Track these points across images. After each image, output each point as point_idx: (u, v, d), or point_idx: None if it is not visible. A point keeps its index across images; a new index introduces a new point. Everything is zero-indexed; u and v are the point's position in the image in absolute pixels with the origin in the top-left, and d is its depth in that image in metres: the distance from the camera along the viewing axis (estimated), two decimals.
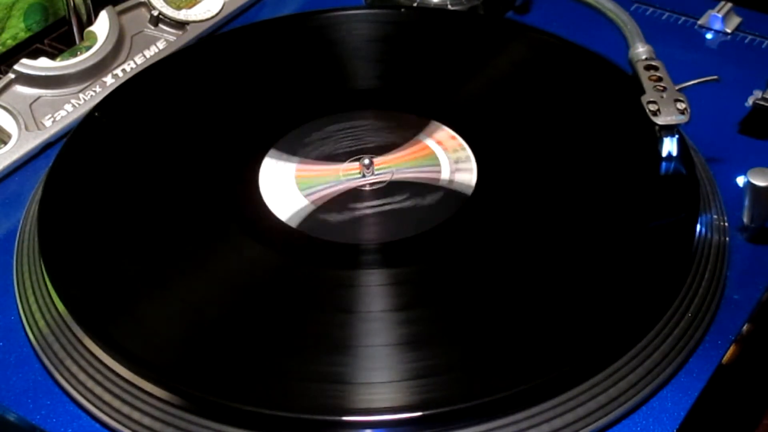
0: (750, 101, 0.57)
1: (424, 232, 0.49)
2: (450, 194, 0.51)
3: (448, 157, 0.53)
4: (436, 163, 0.53)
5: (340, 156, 0.54)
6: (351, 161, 0.53)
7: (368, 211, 0.50)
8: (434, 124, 0.55)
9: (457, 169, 0.52)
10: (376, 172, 0.53)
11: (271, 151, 0.54)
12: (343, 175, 0.53)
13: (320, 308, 0.45)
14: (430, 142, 0.54)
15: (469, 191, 0.51)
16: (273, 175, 0.53)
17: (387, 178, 0.52)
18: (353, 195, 0.52)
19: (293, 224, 0.50)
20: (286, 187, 0.52)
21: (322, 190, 0.52)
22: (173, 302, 0.46)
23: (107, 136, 0.56)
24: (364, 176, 0.52)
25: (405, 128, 0.55)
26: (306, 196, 0.51)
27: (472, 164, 0.52)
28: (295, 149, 0.54)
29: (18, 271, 0.49)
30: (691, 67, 0.60)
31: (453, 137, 0.54)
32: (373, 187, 0.52)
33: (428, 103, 0.57)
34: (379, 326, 0.44)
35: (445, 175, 0.52)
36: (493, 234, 0.48)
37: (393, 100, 0.57)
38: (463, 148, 0.53)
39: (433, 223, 0.49)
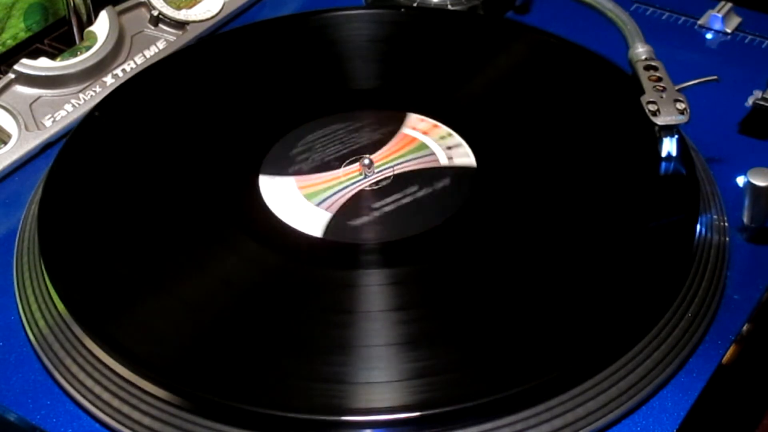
0: (750, 101, 0.57)
1: (425, 232, 0.49)
2: (457, 174, 0.51)
3: (437, 143, 0.53)
4: (429, 151, 0.53)
5: (332, 162, 0.53)
6: (347, 164, 0.53)
7: (389, 208, 0.50)
8: (411, 115, 0.55)
9: (452, 153, 0.52)
10: (376, 170, 0.53)
11: (262, 172, 0.53)
12: (345, 180, 0.53)
13: (320, 308, 0.45)
14: (414, 133, 0.54)
15: (473, 167, 0.51)
16: (274, 189, 0.52)
17: (390, 173, 0.52)
18: (365, 196, 0.51)
19: (322, 235, 0.49)
20: (296, 201, 0.51)
21: (333, 197, 0.52)
22: (173, 302, 0.46)
23: (107, 136, 0.56)
24: (366, 176, 0.52)
25: (384, 124, 0.55)
26: (320, 206, 0.51)
27: (465, 146, 0.53)
28: (284, 165, 0.53)
29: (18, 271, 0.49)
30: (691, 67, 0.60)
31: (435, 125, 0.55)
32: (381, 185, 0.52)
33: (428, 103, 0.57)
34: (379, 326, 0.44)
35: (443, 159, 0.52)
36: (493, 234, 0.48)
37: (393, 100, 0.57)
38: (450, 134, 0.54)
39: (454, 210, 0.49)
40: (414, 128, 0.55)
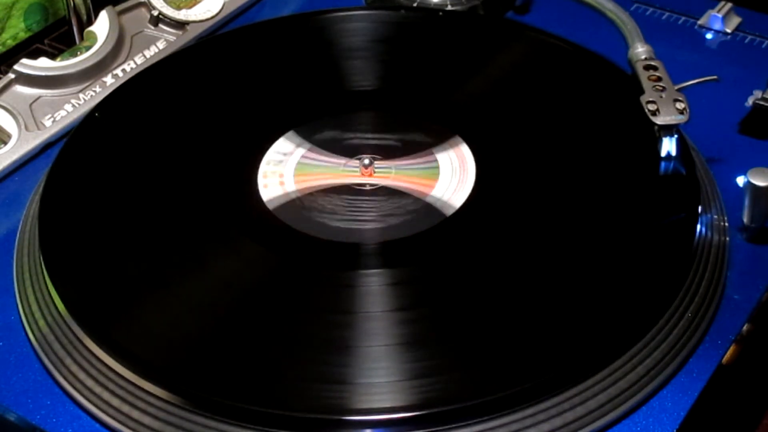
0: (750, 101, 0.57)
1: (425, 232, 0.49)
2: (429, 211, 0.50)
3: (449, 175, 0.52)
4: (435, 179, 0.52)
5: (350, 150, 0.54)
6: (356, 158, 0.53)
7: (345, 209, 0.51)
8: (462, 145, 0.54)
9: (449, 190, 0.52)
10: (375, 173, 0.53)
11: (290, 133, 0.55)
12: (344, 170, 0.53)
13: (320, 308, 0.45)
14: (440, 156, 0.54)
15: (450, 212, 0.50)
16: (283, 150, 0.53)
17: (382, 181, 0.52)
18: (340, 189, 0.52)
19: (272, 207, 0.51)
20: (286, 169, 0.53)
21: (315, 179, 0.52)
22: (173, 302, 0.46)
23: (107, 136, 0.56)
24: (362, 174, 0.53)
25: (427, 137, 0.55)
26: (297, 182, 0.52)
27: (466, 191, 0.51)
28: (313, 134, 0.55)
29: (18, 271, 0.49)
30: (691, 67, 0.60)
31: (464, 161, 0.53)
32: (364, 187, 0.52)
33: (428, 103, 0.57)
34: (379, 326, 0.44)
35: (435, 192, 0.52)
36: (493, 234, 0.48)
37: (393, 101, 0.57)
38: (469, 168, 0.53)
39: (399, 234, 0.49)
40: (447, 153, 0.54)
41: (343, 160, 0.54)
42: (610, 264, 0.46)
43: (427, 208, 0.51)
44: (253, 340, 0.44)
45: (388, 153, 0.54)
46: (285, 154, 0.54)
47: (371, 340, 0.43)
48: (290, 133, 0.55)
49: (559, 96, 0.56)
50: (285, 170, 0.53)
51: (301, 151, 0.54)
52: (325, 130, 0.56)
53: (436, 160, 0.53)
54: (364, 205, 0.51)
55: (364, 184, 0.52)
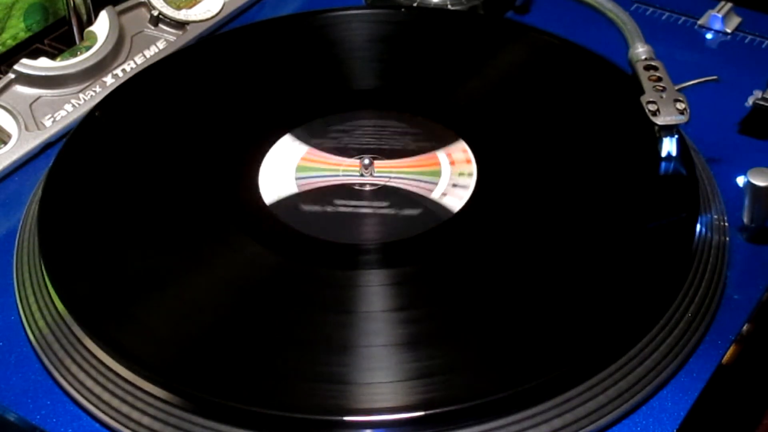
0: (750, 101, 0.57)
1: (425, 232, 0.49)
2: (428, 213, 0.50)
3: (449, 176, 0.52)
4: (435, 180, 0.52)
5: (351, 151, 0.54)
6: (356, 158, 0.53)
7: (344, 210, 0.51)
8: (461, 142, 0.54)
9: (451, 191, 0.51)
10: (375, 174, 0.53)
11: (290, 133, 0.55)
12: (343, 170, 0.53)
13: (320, 308, 0.45)
14: (442, 157, 0.54)
15: (448, 215, 0.50)
16: (285, 150, 0.53)
17: (382, 182, 0.52)
18: (340, 191, 0.52)
19: (272, 207, 0.51)
20: (286, 169, 0.53)
21: (315, 179, 0.52)
22: (174, 302, 0.46)
23: (107, 136, 0.56)
24: (362, 175, 0.53)
25: (430, 138, 0.55)
26: (297, 181, 0.52)
27: (469, 189, 0.51)
28: (313, 134, 0.55)
29: (18, 271, 0.49)
30: (691, 67, 0.60)
31: (469, 161, 0.53)
32: (364, 188, 0.52)
33: (428, 103, 0.57)
34: (380, 326, 0.44)
35: (435, 193, 0.52)
36: (494, 234, 0.48)
37: (393, 101, 0.57)
38: (470, 174, 0.52)
39: (399, 234, 0.49)
40: (449, 154, 0.54)
41: (343, 161, 0.54)
42: (610, 264, 0.46)
43: (427, 209, 0.51)
44: (253, 340, 0.44)
45: (388, 153, 0.54)
46: (285, 154, 0.54)
47: (371, 340, 0.43)
48: (290, 133, 0.55)
49: (560, 96, 0.56)
50: (285, 170, 0.53)
51: (301, 151, 0.54)
52: (325, 131, 0.56)
53: (436, 160, 0.53)
54: (365, 206, 0.51)
55: (364, 185, 0.52)
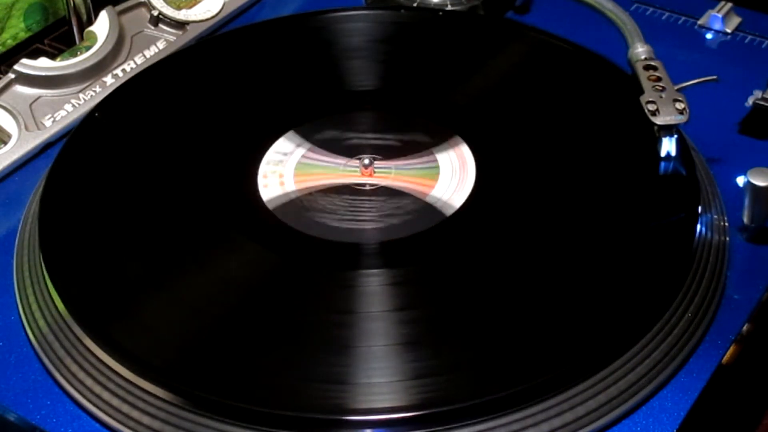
0: (750, 101, 0.57)
1: (424, 231, 0.49)
2: (428, 211, 0.50)
3: (449, 176, 0.52)
4: (434, 179, 0.52)
5: (350, 150, 0.54)
6: (356, 158, 0.53)
7: (344, 209, 0.51)
8: (462, 145, 0.54)
9: (448, 192, 0.51)
10: (375, 173, 0.53)
11: (290, 133, 0.55)
12: (344, 170, 0.53)
13: (320, 308, 0.45)
14: (442, 157, 0.54)
15: (449, 212, 0.50)
16: (281, 154, 0.53)
17: (381, 181, 0.52)
18: (340, 189, 0.52)
19: (272, 207, 0.51)
20: (286, 169, 0.53)
21: (315, 179, 0.52)
22: (174, 302, 0.46)
23: (107, 136, 0.56)
24: (362, 174, 0.53)
25: (429, 137, 0.55)
26: (297, 182, 0.52)
27: (465, 191, 0.51)
28: (314, 134, 0.55)
29: (18, 271, 0.49)
30: (691, 67, 0.60)
31: (465, 162, 0.53)
32: (363, 188, 0.52)
33: (428, 103, 0.57)
34: (379, 326, 0.44)
35: (435, 192, 0.51)
36: (493, 234, 0.48)
37: (393, 101, 0.57)
38: (469, 169, 0.53)
39: (399, 234, 0.49)
40: (448, 154, 0.54)
41: (343, 160, 0.54)
42: (610, 264, 0.46)
43: (426, 208, 0.51)
44: (253, 340, 0.44)
45: (388, 153, 0.54)
46: (285, 154, 0.54)
47: (371, 340, 0.43)
48: (290, 133, 0.55)
49: (559, 96, 0.56)
50: (285, 170, 0.53)
51: (301, 151, 0.54)
52: (325, 130, 0.56)
53: (436, 160, 0.53)
54: (364, 205, 0.51)
55: (364, 184, 0.52)
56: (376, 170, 0.53)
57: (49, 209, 0.50)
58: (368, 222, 0.50)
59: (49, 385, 0.45)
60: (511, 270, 0.47)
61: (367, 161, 0.53)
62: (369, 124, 0.56)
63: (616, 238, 0.48)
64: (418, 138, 0.55)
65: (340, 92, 0.58)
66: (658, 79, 0.54)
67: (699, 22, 0.65)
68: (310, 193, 0.52)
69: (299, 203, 0.51)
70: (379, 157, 0.53)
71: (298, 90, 0.59)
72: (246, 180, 0.53)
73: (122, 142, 0.55)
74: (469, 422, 0.41)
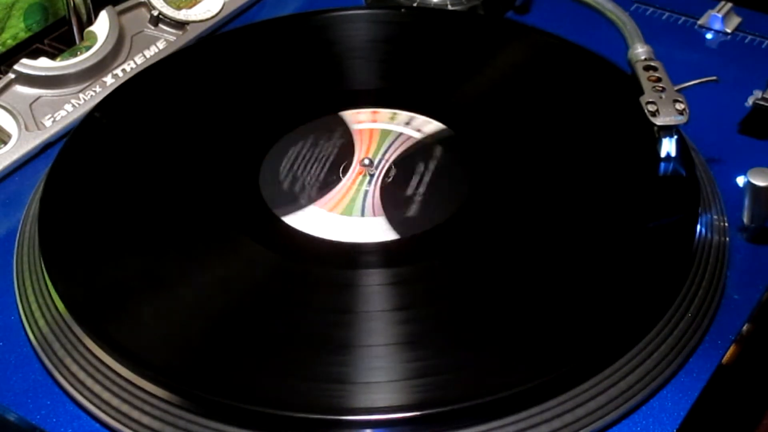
0: (750, 101, 0.57)
1: (424, 232, 0.49)
2: (440, 140, 0.53)
3: (394, 125, 0.54)
4: (397, 133, 0.54)
5: (330, 178, 0.53)
6: (345, 173, 0.53)
7: (422, 189, 0.51)
8: (345, 113, 0.56)
9: (415, 126, 0.54)
10: (376, 167, 0.53)
11: (283, 213, 0.51)
12: (359, 185, 0.52)
13: (320, 308, 0.45)
14: (365, 126, 0.55)
15: (446, 129, 0.53)
16: (306, 222, 0.50)
17: (388, 164, 0.53)
18: (391, 190, 0.52)
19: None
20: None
21: (367, 203, 0.51)
22: (174, 302, 0.46)
23: (107, 136, 0.56)
24: (372, 175, 0.52)
25: (333, 130, 0.55)
26: (367, 215, 0.50)
27: (419, 117, 0.55)
28: (292, 200, 0.51)
29: (18, 271, 0.49)
30: (691, 67, 0.60)
31: (375, 111, 0.56)
32: (392, 176, 0.52)
33: (428, 103, 0.57)
34: (379, 326, 0.44)
35: (414, 134, 0.53)
36: (493, 234, 0.48)
37: (393, 101, 0.57)
38: (395, 113, 0.55)
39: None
40: (359, 122, 0.55)
41: (342, 160, 0.54)
42: (610, 264, 0.46)
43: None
44: (253, 340, 0.44)
45: (344, 155, 0.54)
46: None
47: (371, 340, 0.43)
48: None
49: (559, 96, 0.56)
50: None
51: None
52: (324, 130, 0.56)
53: (369, 129, 0.54)
54: (418, 182, 0.51)
55: (386, 176, 0.52)
56: (375, 170, 0.53)
57: (48, 209, 0.50)
58: (418, 206, 0.50)
59: (49, 385, 0.45)
60: (510, 270, 0.47)
61: (367, 161, 0.53)
62: (299, 154, 0.55)
63: (617, 238, 0.48)
64: (333, 130, 0.56)
65: (341, 92, 0.58)
66: (658, 79, 0.54)
67: (699, 22, 0.65)
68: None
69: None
70: (355, 158, 0.54)
71: (298, 90, 0.59)
72: (246, 180, 0.53)
73: (122, 142, 0.55)
74: (468, 423, 0.41)
